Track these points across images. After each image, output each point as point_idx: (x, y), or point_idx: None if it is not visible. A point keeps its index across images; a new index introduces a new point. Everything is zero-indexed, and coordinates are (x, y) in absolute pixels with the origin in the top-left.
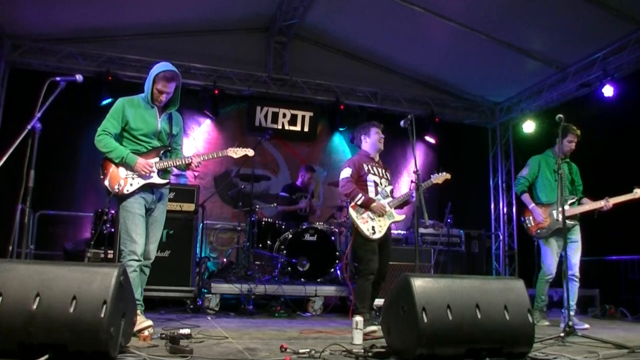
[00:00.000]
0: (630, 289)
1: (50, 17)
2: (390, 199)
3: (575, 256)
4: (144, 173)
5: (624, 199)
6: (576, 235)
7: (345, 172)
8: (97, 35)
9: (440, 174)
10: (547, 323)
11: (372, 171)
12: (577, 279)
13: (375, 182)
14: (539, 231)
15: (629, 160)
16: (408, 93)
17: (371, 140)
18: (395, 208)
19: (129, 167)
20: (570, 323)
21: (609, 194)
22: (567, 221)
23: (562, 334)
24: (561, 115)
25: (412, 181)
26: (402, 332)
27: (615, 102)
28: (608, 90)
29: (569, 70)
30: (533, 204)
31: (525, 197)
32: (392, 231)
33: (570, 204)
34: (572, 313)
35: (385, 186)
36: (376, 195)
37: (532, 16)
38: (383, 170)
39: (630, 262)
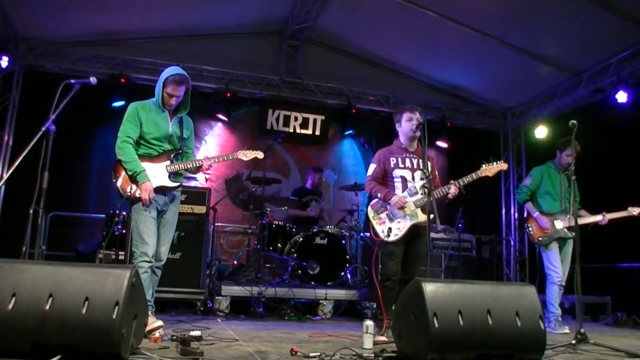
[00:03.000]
0: None
1: (64, 20)
2: (420, 196)
3: (565, 266)
4: (143, 197)
5: (619, 216)
6: (570, 247)
7: (369, 169)
8: (111, 38)
9: (492, 163)
10: (567, 330)
11: (401, 165)
12: (562, 287)
13: (403, 177)
14: (540, 239)
15: None
16: (420, 97)
17: (403, 129)
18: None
19: (135, 182)
20: (582, 330)
21: (625, 200)
22: (566, 232)
23: (573, 341)
24: (574, 122)
25: (450, 181)
26: (413, 337)
27: (630, 108)
28: (622, 96)
29: (582, 75)
30: (537, 212)
31: (529, 206)
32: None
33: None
34: (556, 317)
35: (420, 179)
36: (403, 192)
37: (545, 21)
38: (420, 161)
39: None
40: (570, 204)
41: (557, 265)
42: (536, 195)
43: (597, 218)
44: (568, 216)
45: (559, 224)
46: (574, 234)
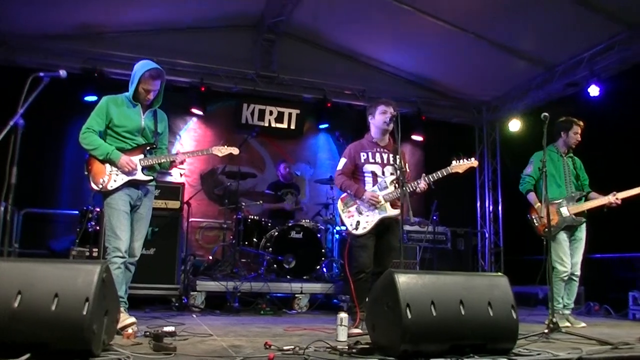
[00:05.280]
0: (615, 287)
1: (36, 13)
2: (390, 190)
3: (577, 255)
4: (127, 170)
5: (633, 193)
6: (582, 233)
7: (339, 164)
8: (84, 31)
9: (463, 160)
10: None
11: (371, 159)
12: (576, 278)
13: (373, 172)
14: (546, 230)
15: (613, 159)
16: (396, 91)
17: (376, 121)
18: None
19: (113, 163)
20: (555, 319)
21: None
22: (574, 218)
23: (546, 331)
24: (546, 114)
25: (422, 175)
26: (387, 328)
27: (601, 102)
28: (594, 90)
29: (556, 69)
30: (539, 203)
31: (532, 196)
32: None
33: (577, 200)
34: (568, 311)
35: (391, 174)
36: (373, 186)
37: (520, 16)
38: (390, 156)
39: (616, 260)
40: (573, 189)
41: (565, 258)
42: (539, 184)
43: (608, 199)
44: (573, 202)
45: (565, 211)
46: (582, 219)
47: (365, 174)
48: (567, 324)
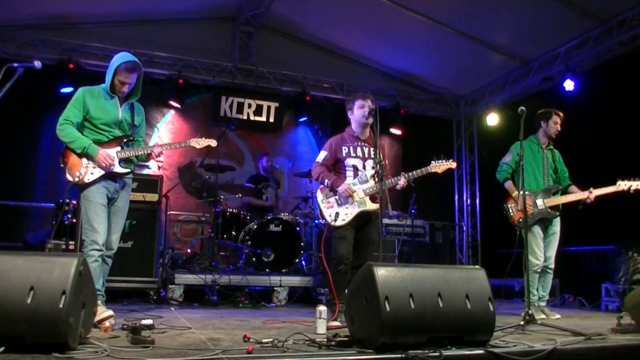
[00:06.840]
0: (589, 279)
1: (9, 2)
2: (371, 184)
3: (552, 249)
4: (104, 165)
5: (607, 191)
6: (556, 227)
7: (319, 156)
8: (59, 22)
9: (442, 161)
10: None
11: (352, 153)
12: (550, 271)
13: (355, 166)
14: (521, 220)
15: (587, 153)
16: (374, 85)
17: (355, 116)
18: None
19: (90, 157)
20: (530, 312)
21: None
22: (549, 211)
23: (522, 322)
24: (523, 108)
25: (402, 173)
26: (365, 321)
27: (576, 96)
28: (569, 85)
29: (532, 64)
30: (517, 192)
31: (509, 184)
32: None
33: (554, 194)
34: (543, 303)
35: (372, 168)
36: (354, 179)
37: (497, 10)
38: (371, 150)
39: (589, 253)
40: (551, 182)
41: (538, 251)
42: (517, 173)
43: (584, 195)
44: (551, 194)
45: (541, 203)
46: (557, 213)
47: (347, 168)
48: (543, 315)
